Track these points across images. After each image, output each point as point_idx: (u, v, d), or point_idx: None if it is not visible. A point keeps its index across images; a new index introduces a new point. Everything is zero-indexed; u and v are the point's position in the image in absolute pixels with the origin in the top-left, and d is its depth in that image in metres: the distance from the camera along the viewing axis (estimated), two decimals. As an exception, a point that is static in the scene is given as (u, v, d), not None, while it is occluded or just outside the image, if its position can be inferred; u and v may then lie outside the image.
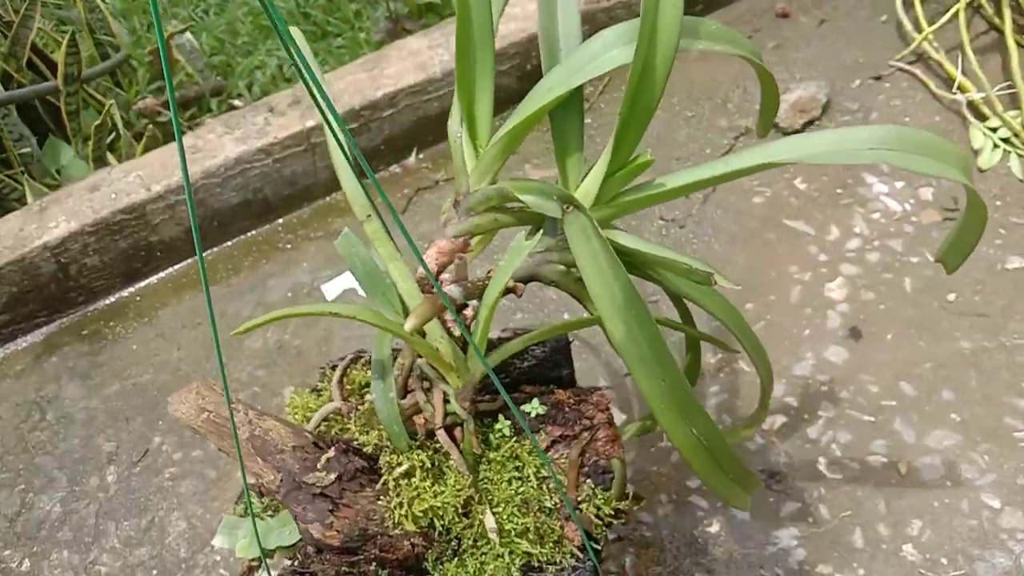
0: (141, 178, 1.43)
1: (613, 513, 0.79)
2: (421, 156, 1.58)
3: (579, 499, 0.79)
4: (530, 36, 1.53)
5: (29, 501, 1.26)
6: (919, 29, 1.54)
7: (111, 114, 1.58)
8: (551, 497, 0.77)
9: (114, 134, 1.62)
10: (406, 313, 0.77)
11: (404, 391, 0.79)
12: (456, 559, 0.77)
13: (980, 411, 1.15)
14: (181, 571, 1.17)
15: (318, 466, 0.74)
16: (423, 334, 0.76)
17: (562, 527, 0.77)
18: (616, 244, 0.72)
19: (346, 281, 1.42)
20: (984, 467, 1.11)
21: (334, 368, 0.89)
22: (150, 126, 1.61)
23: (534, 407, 0.83)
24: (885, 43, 1.58)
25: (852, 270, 1.30)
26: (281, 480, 0.73)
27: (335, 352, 1.34)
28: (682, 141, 1.50)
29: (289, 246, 1.50)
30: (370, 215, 0.79)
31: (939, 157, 0.67)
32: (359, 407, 0.82)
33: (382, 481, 0.76)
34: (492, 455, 0.79)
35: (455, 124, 0.79)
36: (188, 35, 1.76)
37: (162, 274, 1.50)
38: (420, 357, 0.78)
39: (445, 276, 0.78)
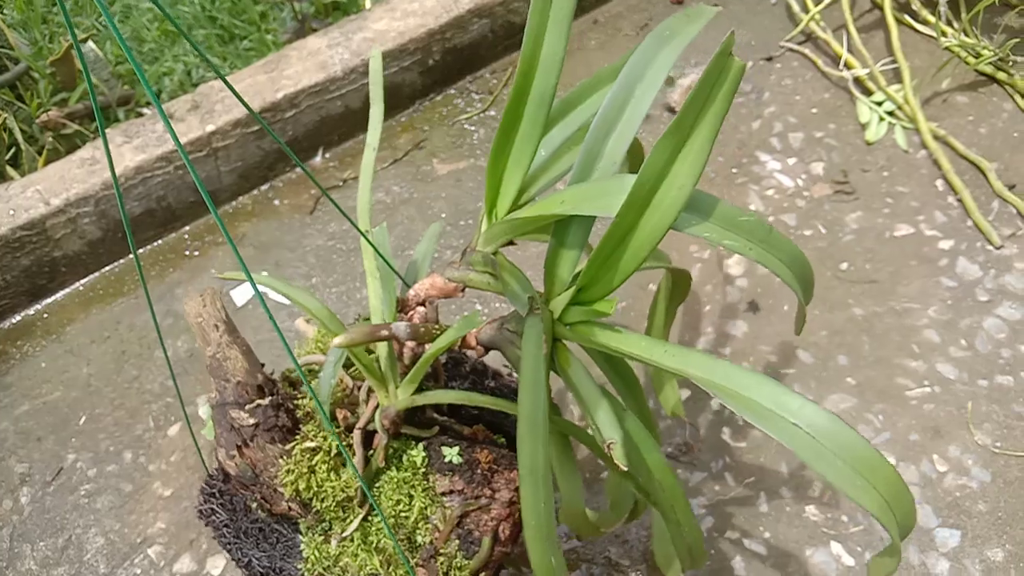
0: (40, 192, 1.40)
1: None
2: (327, 156, 1.58)
3: (439, 551, 0.81)
4: (429, 31, 1.54)
5: (-61, 529, 1.23)
6: (806, 10, 1.59)
7: (9, 128, 1.55)
8: (423, 537, 0.81)
9: (14, 149, 1.59)
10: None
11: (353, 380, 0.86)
12: (323, 538, 0.84)
13: (873, 373, 1.20)
14: (100, 587, 1.16)
15: (246, 408, 0.80)
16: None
17: (416, 567, 0.81)
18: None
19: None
20: (879, 426, 1.16)
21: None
22: (50, 139, 1.58)
23: (452, 454, 0.84)
24: (775, 25, 1.63)
25: (750, 246, 1.34)
26: (216, 403, 0.82)
27: (248, 357, 1.34)
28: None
29: (196, 253, 1.49)
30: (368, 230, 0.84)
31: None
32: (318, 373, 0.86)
33: (292, 444, 0.81)
34: (393, 473, 0.83)
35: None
36: (91, 44, 1.73)
37: (68, 289, 1.47)
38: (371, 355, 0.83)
39: (421, 309, 0.83)
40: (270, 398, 0.81)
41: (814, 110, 1.49)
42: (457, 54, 1.60)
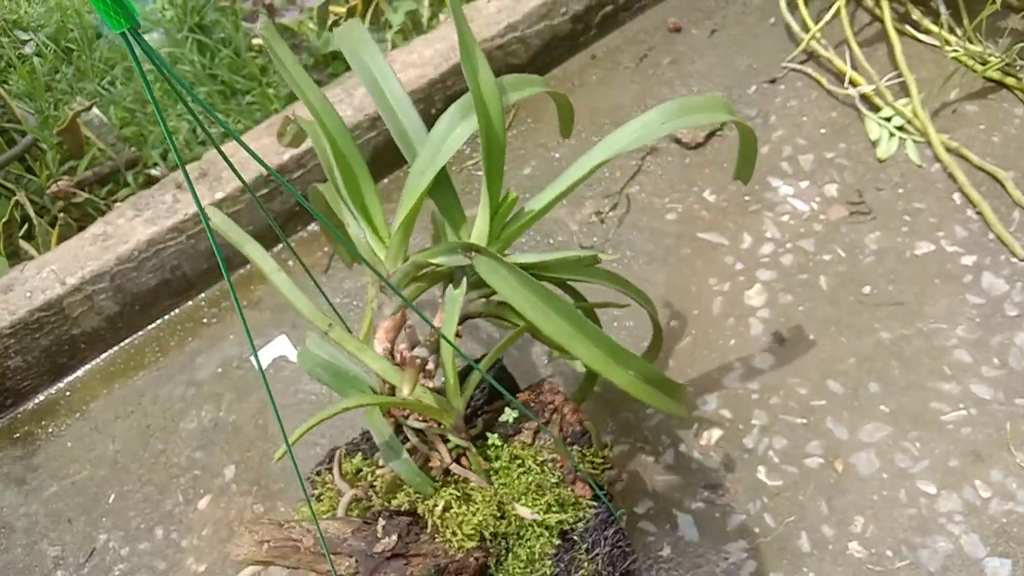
0: (55, 272, 1.41)
1: (602, 460, 0.96)
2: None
3: (575, 464, 0.93)
4: (430, 81, 1.54)
5: (-24, 620, 1.23)
6: (806, 29, 1.58)
7: (20, 204, 1.56)
8: (554, 474, 0.92)
9: (27, 224, 1.59)
10: (385, 389, 0.92)
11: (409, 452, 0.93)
12: (510, 554, 0.90)
13: (906, 399, 1.18)
14: (140, 671, 1.15)
15: (378, 536, 0.85)
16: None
17: (572, 491, 0.92)
18: (519, 264, 0.89)
19: (275, 350, 1.42)
20: (917, 454, 1.14)
21: (319, 474, 1.00)
22: (62, 214, 1.59)
23: (508, 415, 0.96)
24: (776, 45, 1.62)
25: (768, 275, 1.33)
26: (356, 561, 0.84)
27: (271, 424, 1.33)
28: (592, 166, 1.52)
29: (214, 320, 1.48)
30: (331, 324, 0.90)
31: (710, 109, 0.92)
32: (373, 485, 0.92)
33: (430, 524, 0.88)
34: (496, 465, 0.93)
35: (355, 229, 0.96)
36: (95, 110, 1.74)
37: (89, 366, 1.47)
38: (405, 419, 0.92)
39: (402, 346, 0.92)
40: (379, 518, 0.87)
41: (823, 130, 1.47)
42: (459, 100, 1.60)
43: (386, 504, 0.89)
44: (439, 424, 0.91)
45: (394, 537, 0.85)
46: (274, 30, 0.92)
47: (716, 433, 1.20)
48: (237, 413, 1.36)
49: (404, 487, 0.90)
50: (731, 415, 1.21)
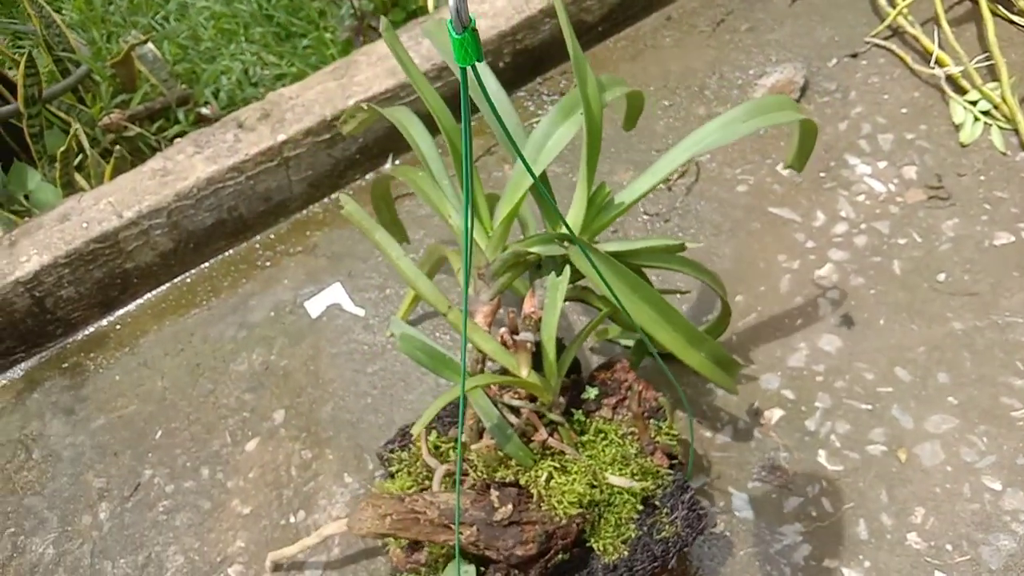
0: (112, 205, 1.39)
1: (675, 433, 1.01)
2: (397, 162, 1.55)
3: (652, 436, 0.99)
4: (500, 33, 1.50)
5: (21, 544, 1.23)
6: (893, 3, 1.52)
7: (76, 136, 1.54)
8: (633, 446, 0.98)
9: (81, 155, 1.58)
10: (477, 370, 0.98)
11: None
12: (601, 520, 0.95)
13: (976, 392, 1.14)
14: (182, 607, 1.15)
15: (495, 505, 0.90)
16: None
17: (652, 460, 0.98)
18: (610, 253, 0.94)
19: (329, 297, 1.40)
20: (983, 449, 1.10)
21: (392, 452, 1.06)
22: (118, 147, 1.57)
23: (589, 392, 1.02)
24: (859, 19, 1.56)
25: (840, 255, 1.29)
26: (477, 530, 0.89)
27: (324, 370, 1.32)
28: (661, 132, 1.48)
29: (268, 263, 1.47)
30: (451, 306, 0.94)
31: (782, 108, 0.96)
32: (467, 459, 0.97)
33: (536, 494, 0.93)
34: (584, 439, 0.99)
35: (456, 220, 1.01)
36: (150, 45, 1.72)
37: (140, 300, 1.46)
38: (500, 398, 0.96)
39: (502, 329, 0.96)
40: (491, 489, 0.92)
41: (904, 110, 1.42)
42: (528, 55, 1.56)
43: (490, 477, 0.94)
44: (533, 401, 0.96)
45: (509, 506, 0.90)
46: (394, 33, 0.92)
47: (777, 413, 1.17)
48: (289, 358, 1.35)
49: (505, 461, 0.95)
50: (794, 396, 1.18)
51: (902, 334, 1.21)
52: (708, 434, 1.17)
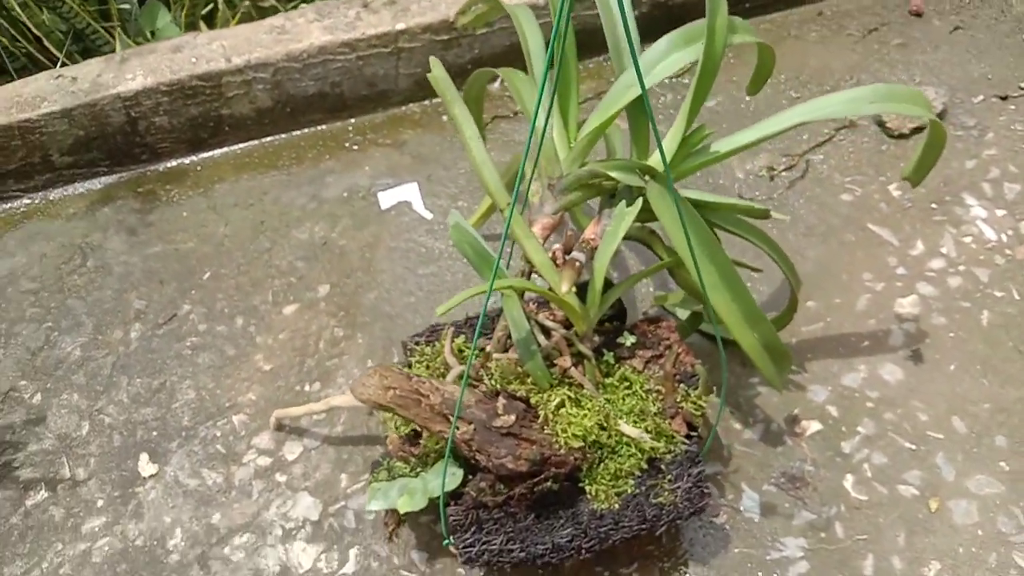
0: (224, 48, 1.41)
1: (704, 405, 0.97)
2: (505, 84, 1.52)
3: (678, 400, 0.96)
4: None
5: (53, 339, 1.27)
6: (1062, 55, 1.42)
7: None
8: (655, 405, 0.94)
9: (212, 6, 1.60)
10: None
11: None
12: (601, 465, 0.92)
13: (1032, 465, 1.06)
14: (180, 438, 1.16)
15: (498, 412, 0.88)
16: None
17: (670, 424, 0.94)
18: (689, 199, 0.90)
19: (402, 193, 1.39)
20: (1023, 524, 1.03)
21: (417, 344, 1.04)
22: (247, 2, 1.59)
23: (627, 339, 0.99)
24: (1020, 63, 1.46)
25: (929, 290, 1.21)
26: (474, 429, 0.86)
27: (379, 259, 1.31)
28: (779, 122, 1.42)
29: (355, 147, 1.47)
30: (511, 203, 0.88)
31: (915, 102, 0.90)
32: (486, 365, 0.94)
33: (542, 416, 0.90)
34: (607, 381, 0.96)
35: (541, 122, 0.92)
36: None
37: (226, 149, 1.48)
38: (535, 316, 0.93)
39: (556, 246, 0.94)
40: (500, 396, 0.90)
41: (1041, 165, 1.33)
42: (664, 9, 1.51)
43: (503, 388, 0.92)
44: (566, 328, 0.93)
45: (512, 417, 0.88)
46: None
47: (815, 426, 1.11)
48: (348, 239, 1.34)
49: (522, 377, 0.92)
50: (838, 414, 1.12)
51: (970, 385, 1.13)
52: (737, 426, 1.12)
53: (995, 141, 1.36)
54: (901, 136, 1.37)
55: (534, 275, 0.95)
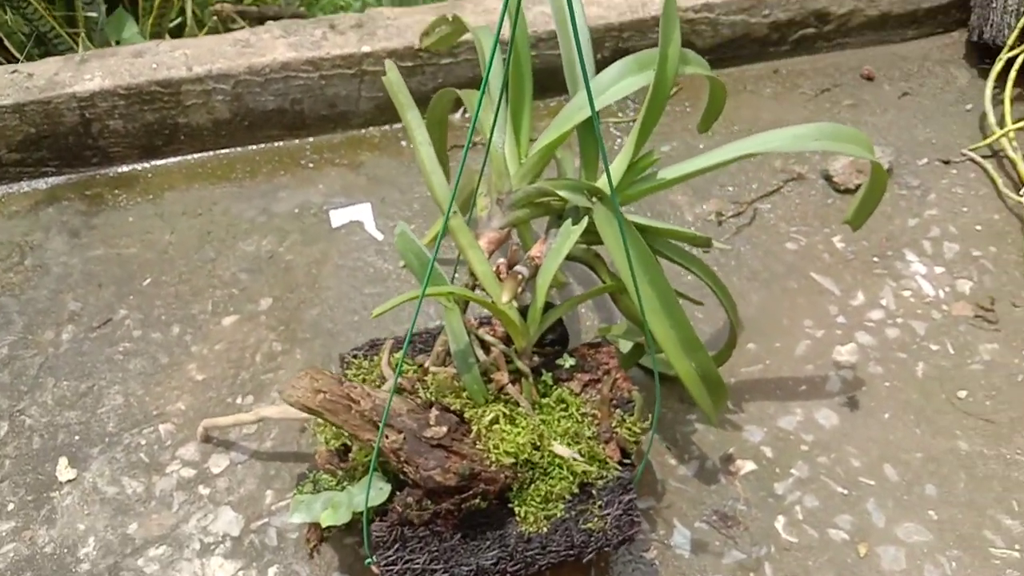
0: (187, 56, 1.40)
1: (639, 432, 0.96)
2: (467, 115, 1.54)
3: (613, 425, 0.95)
4: (607, 26, 1.49)
5: (-21, 336, 1.23)
6: (1002, 124, 1.47)
7: (183, 4, 1.56)
8: (590, 428, 0.93)
9: (181, 20, 1.60)
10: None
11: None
12: (531, 486, 0.90)
13: (961, 516, 1.07)
14: (103, 444, 1.12)
15: (430, 423, 0.86)
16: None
17: (604, 449, 0.93)
18: (633, 223, 0.90)
19: (355, 213, 1.38)
20: (949, 573, 1.03)
21: (355, 357, 1.02)
22: (215, 17, 1.59)
23: (566, 360, 0.98)
24: (964, 131, 1.52)
25: (867, 339, 1.23)
26: (404, 438, 0.84)
27: (325, 276, 1.30)
28: (731, 171, 1.45)
29: (311, 165, 1.46)
30: (455, 211, 0.91)
31: (857, 143, 0.92)
32: (422, 380, 0.93)
33: (475, 431, 0.89)
34: (544, 401, 0.95)
35: (497, 136, 0.96)
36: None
37: (179, 158, 1.47)
38: (476, 330, 0.93)
39: (500, 260, 0.94)
40: (433, 407, 0.88)
41: (978, 227, 1.37)
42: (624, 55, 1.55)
43: (438, 399, 0.91)
44: (506, 344, 0.93)
45: (444, 428, 0.86)
46: None
47: (750, 466, 1.11)
48: (296, 254, 1.33)
49: (457, 391, 0.91)
50: (772, 455, 1.12)
51: (903, 434, 1.14)
52: (672, 462, 1.11)
53: (937, 202, 1.40)
54: (847, 191, 1.40)
55: (477, 289, 0.94)
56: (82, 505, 1.07)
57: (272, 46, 1.42)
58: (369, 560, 0.90)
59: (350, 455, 0.94)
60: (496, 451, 0.88)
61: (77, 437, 1.13)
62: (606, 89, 0.91)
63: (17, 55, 1.50)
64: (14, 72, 1.38)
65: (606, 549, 0.92)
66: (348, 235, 1.36)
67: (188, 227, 1.37)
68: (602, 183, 0.95)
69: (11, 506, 1.07)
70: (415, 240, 0.92)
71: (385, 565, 0.88)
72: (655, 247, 0.95)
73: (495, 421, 0.89)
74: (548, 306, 0.94)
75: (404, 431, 0.84)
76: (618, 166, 0.93)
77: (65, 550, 1.04)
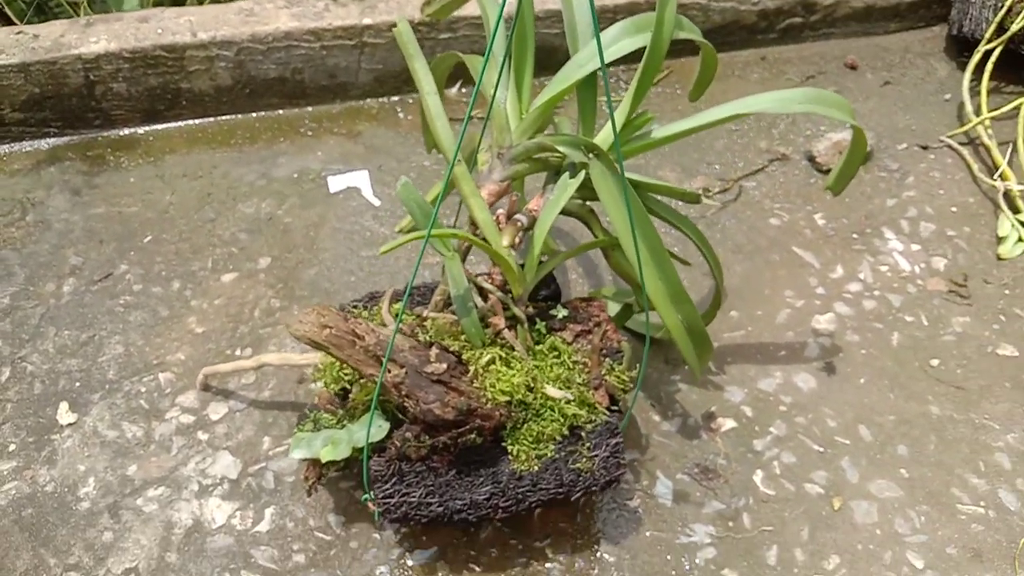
0: (191, 23, 1.44)
1: (627, 380, 1.00)
2: (463, 90, 1.58)
3: (602, 373, 0.99)
4: (602, 7, 1.53)
5: (-18, 286, 1.25)
6: (978, 113, 1.53)
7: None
8: (581, 375, 0.98)
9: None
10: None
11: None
12: (524, 426, 0.95)
13: (930, 474, 1.12)
14: (104, 391, 1.15)
15: (431, 359, 0.90)
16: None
17: (593, 395, 0.97)
18: (628, 178, 0.93)
19: (352, 180, 1.42)
20: (918, 527, 1.08)
21: (355, 307, 1.05)
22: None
23: (559, 311, 1.02)
24: (941, 119, 1.57)
25: (845, 310, 1.28)
26: (406, 372, 0.88)
27: (323, 238, 1.33)
28: (718, 150, 1.50)
29: (310, 134, 1.50)
30: (461, 160, 0.93)
31: (840, 109, 0.97)
32: (422, 325, 0.96)
33: (472, 370, 0.93)
34: (537, 348, 0.99)
35: (500, 93, 0.99)
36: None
37: (181, 123, 1.50)
38: (475, 278, 0.96)
39: (500, 211, 0.98)
40: (433, 346, 0.92)
41: (953, 209, 1.42)
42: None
43: (437, 341, 0.94)
44: (503, 291, 0.96)
45: (444, 366, 0.90)
46: None
47: (730, 424, 1.16)
48: (294, 217, 1.36)
49: (455, 335, 0.95)
50: (752, 414, 1.16)
51: (878, 398, 1.19)
52: (656, 418, 1.16)
53: (915, 184, 1.46)
54: (830, 171, 1.45)
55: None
56: (82, 447, 1.10)
57: (275, 15, 1.45)
58: (366, 496, 0.94)
59: (350, 396, 0.98)
60: (492, 390, 0.92)
61: (78, 383, 1.16)
62: (605, 49, 0.95)
63: (18, 23, 1.53)
64: (19, 33, 1.41)
65: (593, 489, 0.96)
66: (345, 200, 1.39)
67: (188, 188, 1.40)
68: (599, 139, 0.99)
69: (12, 447, 1.10)
70: (418, 193, 0.95)
71: (383, 498, 0.92)
72: (647, 206, 0.99)
73: (492, 362, 0.93)
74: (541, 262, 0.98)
75: (406, 366, 0.88)
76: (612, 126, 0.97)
77: (65, 489, 1.06)
